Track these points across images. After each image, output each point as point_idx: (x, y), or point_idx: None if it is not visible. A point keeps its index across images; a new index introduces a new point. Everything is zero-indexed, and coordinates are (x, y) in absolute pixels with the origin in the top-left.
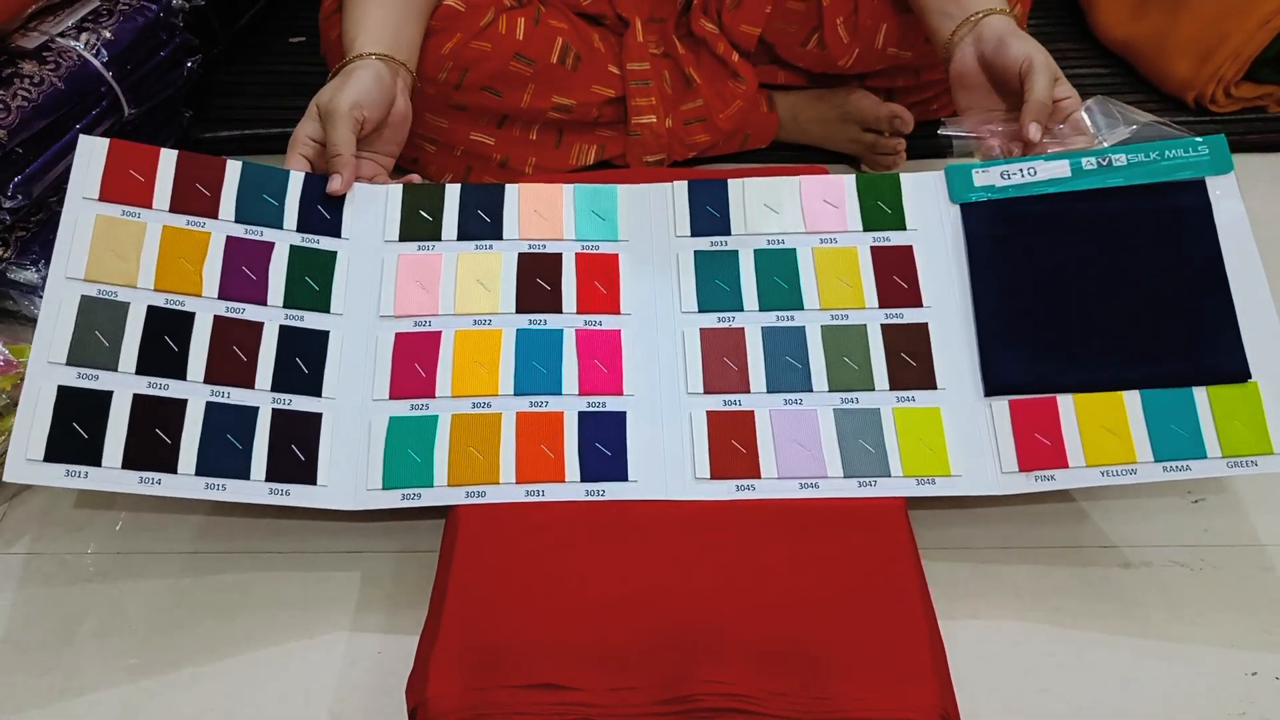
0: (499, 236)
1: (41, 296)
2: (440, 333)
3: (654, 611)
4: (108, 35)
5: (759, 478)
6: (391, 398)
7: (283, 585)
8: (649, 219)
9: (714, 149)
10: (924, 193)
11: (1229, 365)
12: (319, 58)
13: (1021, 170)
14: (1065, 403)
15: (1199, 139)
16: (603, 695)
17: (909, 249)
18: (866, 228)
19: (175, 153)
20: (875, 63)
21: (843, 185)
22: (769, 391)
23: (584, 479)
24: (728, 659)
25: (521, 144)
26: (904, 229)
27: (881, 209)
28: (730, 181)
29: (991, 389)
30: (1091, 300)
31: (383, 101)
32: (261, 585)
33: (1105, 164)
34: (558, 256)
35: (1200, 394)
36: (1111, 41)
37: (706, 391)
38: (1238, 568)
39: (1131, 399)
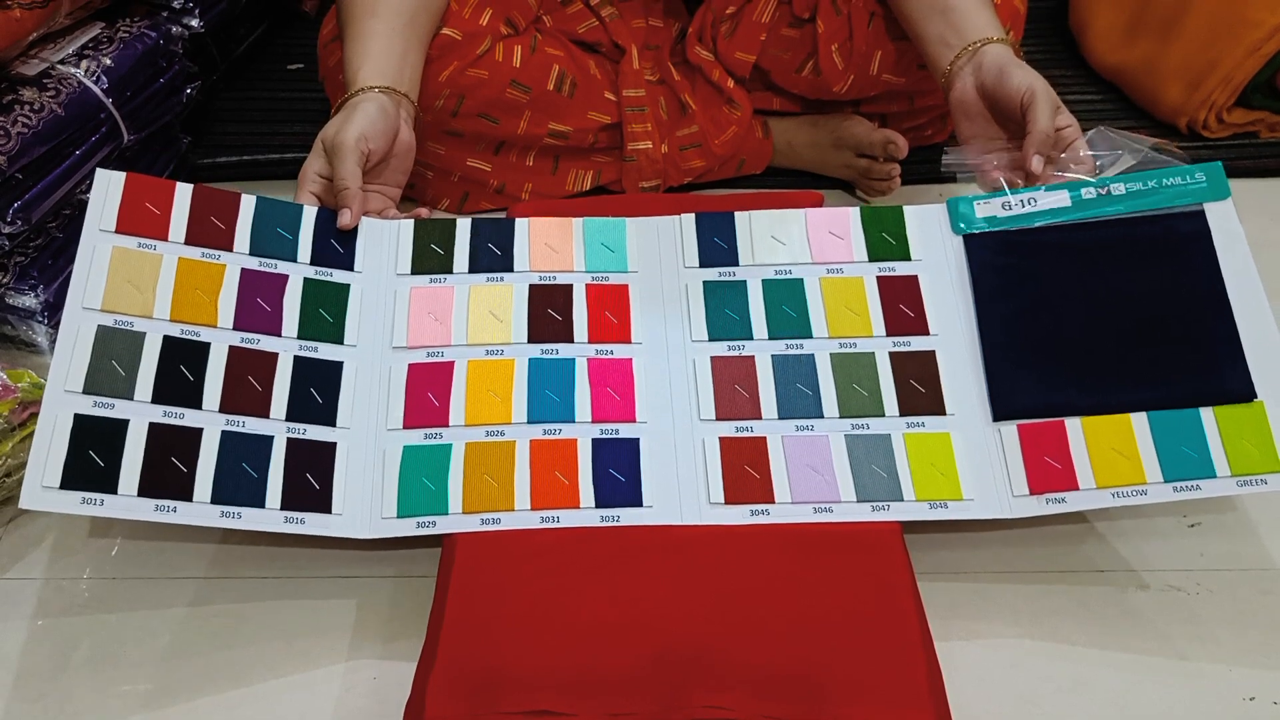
0: (510, 269)
1: (41, 321)
2: (453, 363)
3: (650, 636)
4: (108, 62)
5: (773, 502)
6: (405, 427)
7: (279, 611)
8: (658, 251)
9: (709, 174)
10: (927, 224)
11: (1234, 386)
12: (317, 84)
13: (1022, 201)
14: (1074, 426)
15: (1196, 166)
16: None
17: (914, 279)
18: (872, 258)
19: (191, 187)
20: (869, 89)
21: (848, 217)
22: (780, 418)
23: (599, 505)
24: (725, 683)
25: (518, 170)
26: (909, 259)
27: (886, 240)
28: (737, 214)
29: (1000, 414)
30: (1096, 325)
31: (387, 133)
32: (257, 611)
33: (1105, 193)
34: (568, 288)
35: (1207, 414)
36: (1103, 68)
37: (719, 418)
38: (1234, 591)
39: (1139, 421)
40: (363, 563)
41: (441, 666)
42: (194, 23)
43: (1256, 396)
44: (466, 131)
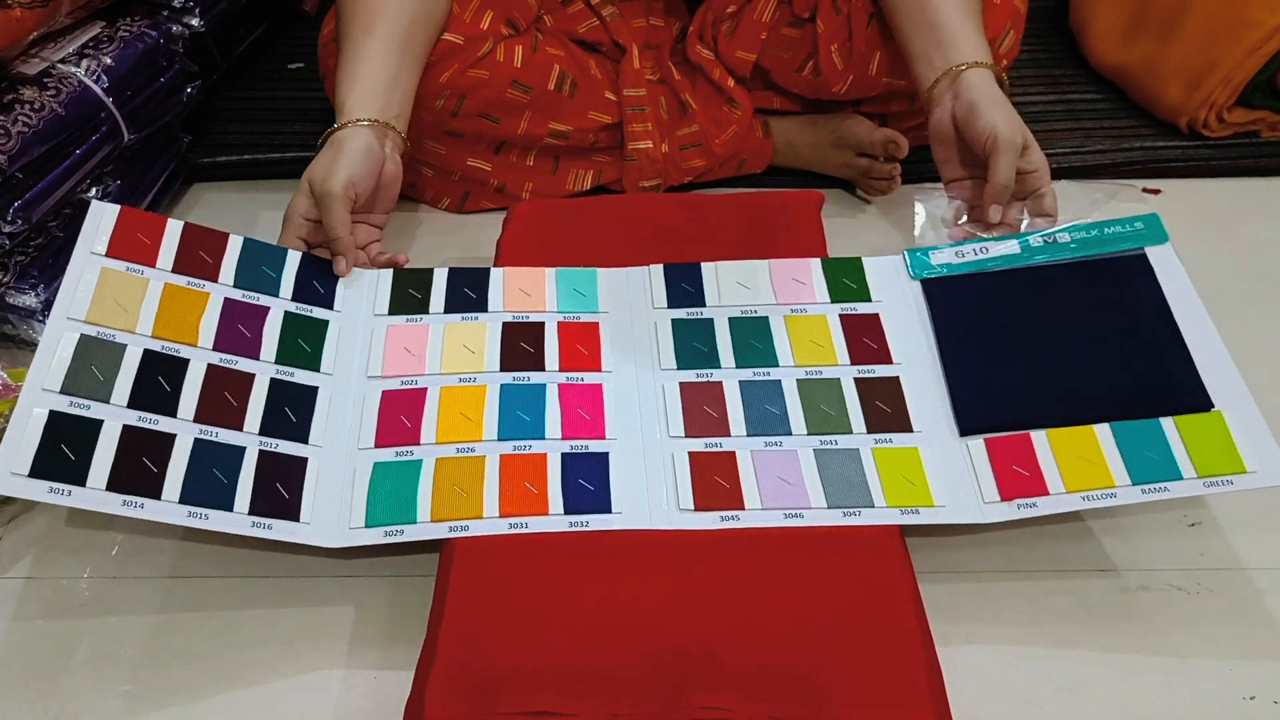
0: (484, 309)
1: (41, 321)
2: (426, 389)
3: (650, 636)
4: (108, 61)
5: (743, 509)
6: (377, 446)
7: (278, 611)
8: (627, 295)
9: (709, 174)
10: (885, 272)
11: (1191, 398)
12: (317, 84)
13: (975, 250)
14: (1039, 437)
15: (1135, 217)
16: None
17: (876, 316)
18: (834, 300)
19: (181, 223)
20: (869, 89)
21: (809, 267)
22: (749, 435)
23: (567, 511)
24: (724, 683)
25: (518, 169)
26: (869, 300)
27: (847, 284)
28: (704, 265)
29: (965, 431)
30: (1053, 350)
31: (372, 172)
32: (257, 611)
33: (1052, 241)
34: (540, 324)
35: (1168, 423)
36: (1104, 67)
37: (688, 435)
38: (1234, 591)
39: (1103, 431)
40: (362, 564)
41: (441, 666)
42: (194, 22)
43: (1214, 407)
44: (467, 131)
